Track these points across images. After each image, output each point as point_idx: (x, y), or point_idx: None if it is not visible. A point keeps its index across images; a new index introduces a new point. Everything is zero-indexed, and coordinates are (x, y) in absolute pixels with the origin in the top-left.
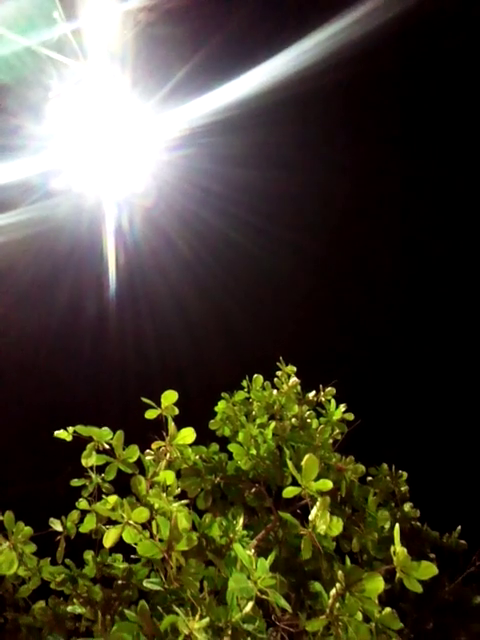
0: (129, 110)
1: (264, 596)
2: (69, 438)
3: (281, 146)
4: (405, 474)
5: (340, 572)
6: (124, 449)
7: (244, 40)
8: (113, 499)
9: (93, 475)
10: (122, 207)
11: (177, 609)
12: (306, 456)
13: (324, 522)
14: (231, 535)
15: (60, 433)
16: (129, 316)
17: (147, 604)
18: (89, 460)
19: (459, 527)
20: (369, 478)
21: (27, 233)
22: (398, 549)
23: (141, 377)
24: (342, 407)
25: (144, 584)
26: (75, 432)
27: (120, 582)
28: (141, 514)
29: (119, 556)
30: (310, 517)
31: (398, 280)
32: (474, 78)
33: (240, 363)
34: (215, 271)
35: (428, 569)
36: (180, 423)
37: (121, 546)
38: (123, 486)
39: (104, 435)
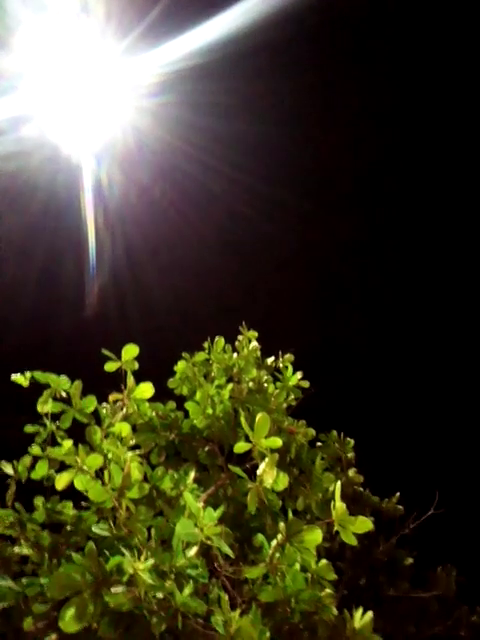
0: (103, 53)
1: (208, 542)
2: (26, 383)
3: (262, 94)
4: (352, 441)
5: (282, 524)
6: (82, 399)
7: None
8: (68, 444)
9: (48, 422)
10: (97, 156)
11: (124, 550)
12: (259, 415)
13: (271, 477)
14: (181, 487)
15: (17, 377)
16: (103, 270)
17: (91, 549)
18: (45, 406)
19: (398, 493)
20: (318, 443)
21: None
22: (337, 504)
23: (107, 332)
24: (298, 374)
25: (93, 529)
26: (32, 378)
27: (69, 528)
28: (95, 460)
29: (69, 503)
30: (258, 472)
31: (378, 249)
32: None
33: (209, 324)
34: (193, 224)
35: (364, 524)
36: (140, 380)
37: (71, 493)
38: (77, 436)
39: (62, 383)
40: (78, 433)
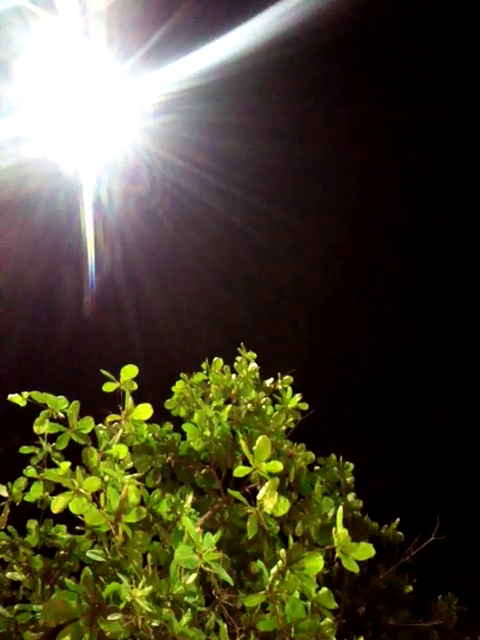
0: (106, 73)
1: (207, 568)
2: (23, 403)
3: (267, 114)
4: (351, 465)
5: (282, 550)
6: (79, 420)
7: None
8: (65, 465)
9: (44, 443)
10: (100, 176)
11: (121, 576)
12: (260, 438)
13: (271, 502)
14: (179, 512)
15: (14, 397)
16: (104, 289)
17: (87, 575)
18: (42, 427)
19: (398, 519)
20: (317, 467)
21: None
22: (340, 530)
23: (106, 351)
24: (298, 396)
25: (87, 554)
26: (30, 398)
27: (62, 552)
28: (93, 483)
29: (63, 527)
30: (258, 497)
31: (388, 274)
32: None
33: (210, 345)
34: (195, 243)
35: (366, 550)
36: (138, 401)
37: (65, 518)
38: (73, 458)
39: (59, 403)
40: (75, 455)
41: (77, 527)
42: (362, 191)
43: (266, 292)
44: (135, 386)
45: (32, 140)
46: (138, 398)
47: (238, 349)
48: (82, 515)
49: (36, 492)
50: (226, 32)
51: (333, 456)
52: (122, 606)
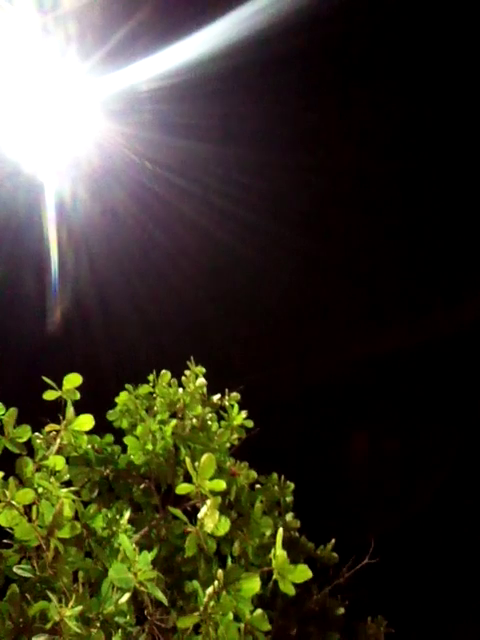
0: (67, 72)
1: (142, 588)
2: None
3: (231, 116)
4: (292, 485)
5: (220, 571)
6: (15, 427)
7: None
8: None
9: None
10: (61, 180)
11: (50, 595)
12: (205, 456)
13: (213, 521)
14: (114, 528)
15: None
16: (66, 294)
17: (14, 591)
18: None
19: (333, 540)
20: (257, 486)
21: None
22: (278, 552)
23: (54, 359)
24: (243, 413)
25: (14, 570)
26: None
27: None
28: (26, 495)
29: None
30: (199, 515)
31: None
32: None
33: (160, 356)
34: (157, 244)
35: (303, 573)
36: (80, 411)
37: None
38: (6, 468)
39: None
40: (8, 465)
41: (5, 540)
42: (324, 197)
43: (231, 304)
44: (77, 395)
45: None
46: (81, 408)
47: (187, 363)
48: (11, 528)
49: None
50: (193, 32)
51: (274, 475)
52: (48, 626)
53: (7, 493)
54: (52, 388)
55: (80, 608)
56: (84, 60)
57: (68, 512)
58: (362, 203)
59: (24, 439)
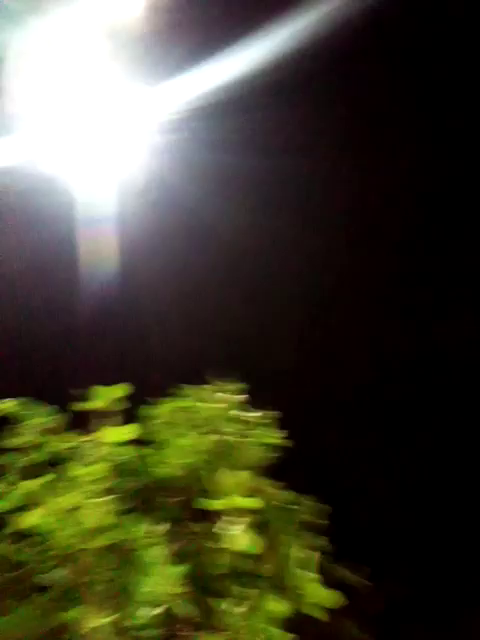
0: (117, 88)
1: (173, 603)
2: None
3: (280, 131)
4: (327, 507)
5: (251, 591)
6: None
7: (244, 15)
8: (50, 477)
9: (20, 456)
10: (111, 195)
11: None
12: (241, 473)
13: (246, 539)
14: (149, 539)
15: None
16: (113, 307)
17: (44, 598)
18: (22, 438)
19: (368, 569)
20: (292, 506)
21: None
22: (311, 576)
23: (98, 364)
24: (280, 432)
25: (47, 576)
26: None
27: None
28: (73, 498)
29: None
30: (233, 533)
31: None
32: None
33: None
34: (212, 265)
35: (333, 598)
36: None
37: None
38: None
39: (42, 415)
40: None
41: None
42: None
43: (273, 321)
44: (121, 406)
45: (43, 156)
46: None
47: (226, 377)
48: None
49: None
50: (243, 50)
51: (310, 497)
52: (79, 633)
53: (53, 497)
54: (93, 399)
55: (113, 617)
56: (134, 76)
57: (110, 519)
58: (420, 216)
59: (71, 445)
